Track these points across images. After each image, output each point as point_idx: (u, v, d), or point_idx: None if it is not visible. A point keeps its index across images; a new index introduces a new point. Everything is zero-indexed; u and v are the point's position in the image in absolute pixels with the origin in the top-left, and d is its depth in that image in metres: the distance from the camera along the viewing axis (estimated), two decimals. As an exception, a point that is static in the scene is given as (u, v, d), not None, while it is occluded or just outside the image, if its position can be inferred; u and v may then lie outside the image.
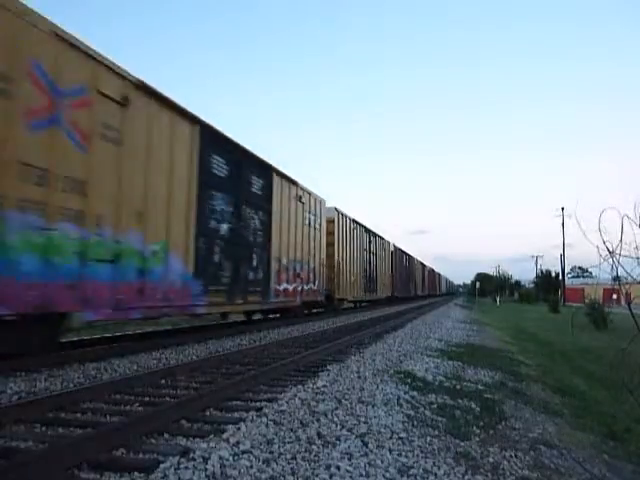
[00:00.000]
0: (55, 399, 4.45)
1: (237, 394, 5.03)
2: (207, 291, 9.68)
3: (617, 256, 3.92)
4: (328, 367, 6.57)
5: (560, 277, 58.35)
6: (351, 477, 2.99)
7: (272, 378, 5.86)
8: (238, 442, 3.39)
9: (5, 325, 5.93)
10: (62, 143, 6.36)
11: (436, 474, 3.15)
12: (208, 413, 4.40)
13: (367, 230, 23.97)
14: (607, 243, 3.92)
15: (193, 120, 9.28)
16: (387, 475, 3.06)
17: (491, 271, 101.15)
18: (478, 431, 4.27)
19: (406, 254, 38.43)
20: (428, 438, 3.86)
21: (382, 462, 3.25)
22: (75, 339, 8.65)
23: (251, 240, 11.67)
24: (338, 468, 3.09)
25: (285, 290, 13.71)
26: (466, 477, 3.19)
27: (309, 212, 15.49)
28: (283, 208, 13.42)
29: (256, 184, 11.96)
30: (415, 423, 4.23)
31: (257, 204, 11.96)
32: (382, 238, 28.09)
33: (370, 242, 24.86)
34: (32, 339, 6.33)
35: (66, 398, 4.54)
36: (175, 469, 2.90)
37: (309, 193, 15.46)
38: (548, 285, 63.25)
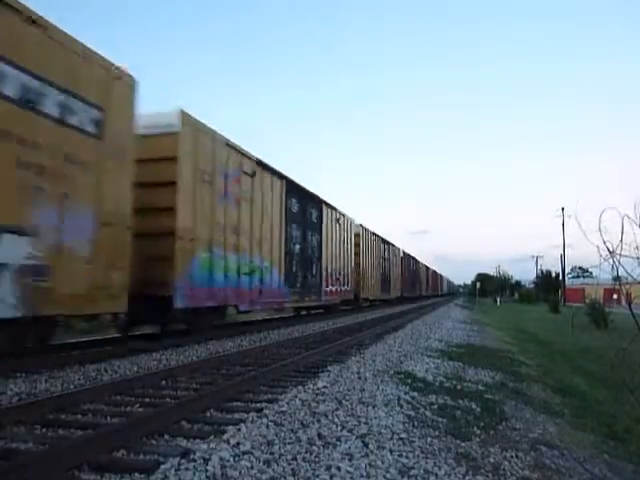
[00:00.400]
0: (55, 400, 4.45)
1: (237, 395, 5.03)
2: (290, 292, 14.36)
3: (617, 256, 3.92)
4: (328, 368, 6.57)
5: (560, 277, 58.33)
6: (352, 478, 2.99)
7: (272, 379, 5.86)
8: (239, 443, 3.39)
9: (198, 311, 9.70)
10: (229, 207, 10.81)
11: (437, 475, 3.15)
12: (208, 414, 4.39)
13: (383, 240, 28.88)
14: (607, 243, 3.91)
15: (281, 177, 13.84)
16: (388, 476, 3.05)
17: (491, 271, 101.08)
18: (479, 431, 4.27)
19: (413, 258, 42.97)
20: (429, 439, 3.86)
21: (383, 463, 3.24)
22: (73, 341, 8.65)
23: (311, 255, 16.26)
24: (339, 469, 3.09)
25: (330, 291, 18.39)
26: (467, 477, 3.19)
27: (344, 230, 20.24)
28: (328, 230, 18.09)
29: (313, 214, 16.58)
30: (416, 424, 4.23)
31: (314, 229, 16.62)
32: (394, 245, 32.77)
33: (385, 250, 29.38)
34: (213, 321, 10.70)
35: (66, 399, 4.54)
36: (176, 470, 2.90)
37: (343, 215, 20.15)
38: (548, 285, 63.21)
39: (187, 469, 2.91)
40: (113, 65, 7.42)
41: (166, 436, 3.72)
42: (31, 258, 5.96)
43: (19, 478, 2.67)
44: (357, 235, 22.57)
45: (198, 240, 9.49)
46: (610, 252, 3.79)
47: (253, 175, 11.88)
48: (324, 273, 17.43)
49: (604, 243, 3.95)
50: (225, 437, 3.53)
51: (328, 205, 17.97)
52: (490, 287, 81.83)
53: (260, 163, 12.30)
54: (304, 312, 17.84)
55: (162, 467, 2.94)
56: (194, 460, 3.05)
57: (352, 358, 7.56)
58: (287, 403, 4.56)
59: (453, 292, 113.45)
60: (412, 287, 41.07)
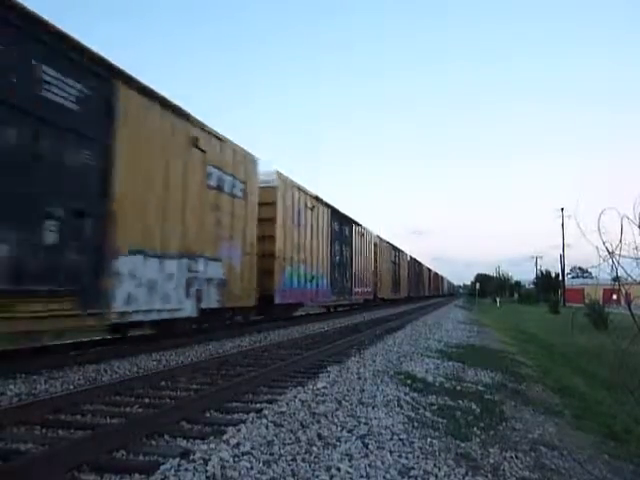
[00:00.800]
0: (55, 401, 4.45)
1: (237, 395, 5.03)
2: (333, 294, 18.95)
3: (616, 257, 3.93)
4: (328, 368, 6.56)
5: (560, 278, 58.31)
6: (351, 478, 2.99)
7: (272, 379, 5.86)
8: (238, 443, 3.39)
9: (286, 306, 14.49)
10: (300, 233, 15.08)
11: (437, 475, 3.15)
12: (208, 414, 4.39)
13: (394, 247, 33.12)
14: (607, 244, 3.92)
15: (328, 206, 18.35)
16: (387, 476, 3.05)
17: (491, 272, 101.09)
18: (478, 432, 4.27)
19: (418, 262, 47.85)
20: (428, 439, 3.86)
21: (382, 463, 3.24)
22: (71, 341, 8.64)
23: (345, 264, 20.65)
24: (338, 469, 3.09)
25: (357, 292, 22.69)
26: (466, 478, 3.19)
27: (366, 241, 24.53)
28: (356, 242, 22.42)
29: (346, 231, 20.95)
30: (415, 424, 4.23)
31: (347, 243, 21.02)
32: (403, 251, 37.06)
33: (395, 256, 33.47)
34: (292, 312, 15.79)
35: (66, 400, 4.53)
36: (175, 471, 2.90)
37: (365, 229, 24.38)
38: (548, 286, 63.19)
39: (187, 470, 2.91)
40: (248, 153, 11.71)
41: (166, 436, 3.72)
42: (222, 275, 10.32)
43: (19, 478, 2.67)
44: (375, 245, 26.96)
45: (286, 258, 14.11)
46: (609, 252, 3.80)
47: (312, 208, 16.45)
48: (353, 278, 21.88)
49: (603, 244, 3.95)
50: (225, 438, 3.52)
51: (356, 223, 22.70)
52: (490, 288, 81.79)
53: (317, 198, 17.12)
54: (340, 309, 22.64)
55: (162, 468, 2.94)
56: (194, 461, 3.04)
57: (352, 358, 7.56)
58: (287, 404, 4.55)
59: (453, 293, 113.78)
60: (417, 288, 45.95)
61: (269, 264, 13.03)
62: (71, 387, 5.38)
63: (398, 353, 8.51)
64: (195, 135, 9.20)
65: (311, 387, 5.31)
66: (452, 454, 3.60)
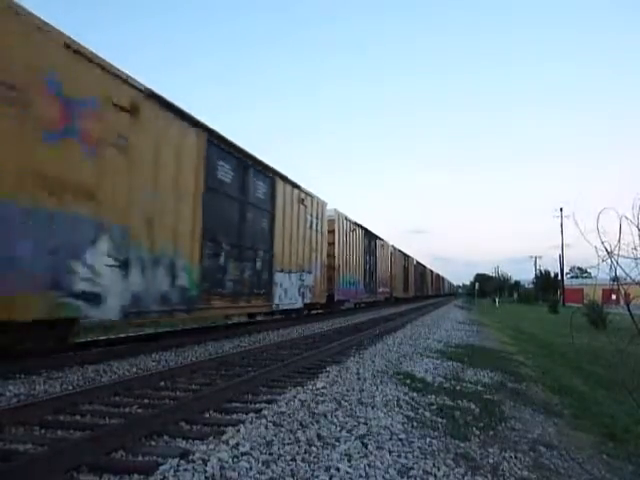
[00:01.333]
0: (54, 401, 4.45)
1: (236, 396, 5.03)
2: (366, 292, 24.34)
3: (615, 257, 3.93)
4: (327, 368, 6.56)
5: (559, 277, 58.35)
6: (351, 478, 2.99)
7: (271, 379, 5.86)
8: (237, 444, 3.39)
9: (342, 302, 20.86)
10: (347, 250, 21.09)
11: (436, 475, 3.15)
12: (207, 415, 4.39)
13: (404, 255, 38.98)
14: (605, 244, 3.92)
15: (362, 227, 23.42)
16: (387, 476, 3.06)
17: (490, 272, 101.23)
18: (478, 432, 4.27)
19: (422, 265, 54.86)
20: (428, 439, 3.86)
21: (382, 463, 3.25)
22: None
23: (373, 270, 26.18)
24: (338, 469, 3.09)
25: (379, 292, 28.11)
26: (466, 478, 3.19)
27: (385, 250, 30.11)
28: (378, 252, 27.69)
29: (372, 245, 26.32)
30: (415, 424, 4.23)
31: (373, 254, 26.37)
32: (410, 257, 42.90)
33: (405, 261, 39.44)
34: (342, 305, 21.77)
35: (65, 400, 4.53)
36: (175, 471, 2.90)
37: (384, 241, 29.72)
38: (547, 286, 63.24)
39: (186, 470, 2.91)
40: (321, 199, 16.79)
41: (165, 437, 3.72)
42: (312, 282, 15.82)
43: (18, 479, 2.66)
44: (391, 253, 32.37)
45: (341, 269, 19.74)
46: (608, 253, 3.80)
47: (353, 231, 21.65)
48: (377, 281, 27.33)
49: (602, 244, 3.95)
50: (224, 438, 3.53)
51: (379, 238, 28.04)
52: (489, 288, 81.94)
53: (356, 223, 22.22)
54: (366, 305, 27.22)
55: (161, 468, 2.94)
56: (193, 461, 3.05)
57: (351, 358, 7.56)
58: (286, 404, 4.55)
59: (453, 293, 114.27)
60: (422, 288, 52.64)
61: (331, 273, 18.68)
62: (70, 387, 5.38)
63: (398, 353, 8.51)
64: (302, 197, 14.97)
65: (310, 387, 5.31)
66: (451, 454, 3.61)
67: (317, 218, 16.29)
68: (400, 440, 3.75)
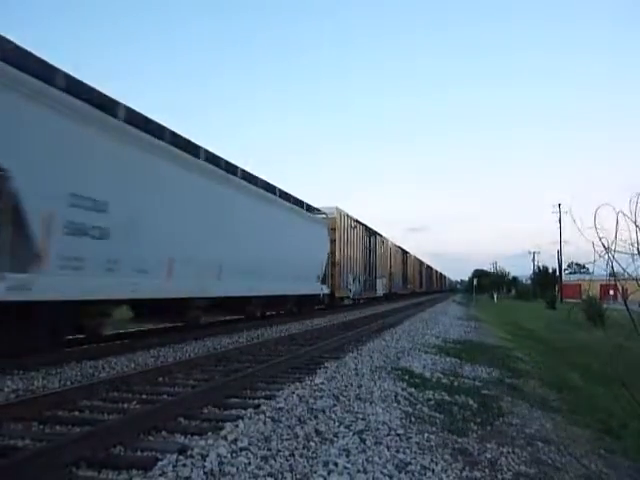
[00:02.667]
0: (53, 397, 4.45)
1: (235, 391, 5.03)
2: (365, 290, 25.62)
3: (612, 252, 3.93)
4: (326, 364, 6.57)
5: (557, 273, 58.43)
6: (349, 473, 3.00)
7: (270, 375, 5.87)
8: (236, 439, 3.39)
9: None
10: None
11: (434, 470, 3.16)
12: (206, 410, 4.40)
13: (404, 251, 42.07)
14: (603, 239, 3.92)
15: (362, 224, 24.94)
16: (385, 471, 3.06)
17: (488, 268, 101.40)
18: (475, 427, 4.29)
19: (429, 266, 66.67)
20: (426, 434, 3.87)
21: (380, 458, 3.26)
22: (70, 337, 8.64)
23: (371, 267, 27.28)
24: (336, 465, 3.10)
25: (378, 288, 29.43)
26: (464, 473, 3.20)
27: (385, 247, 32.27)
28: (378, 250, 29.23)
29: (372, 241, 27.61)
30: (413, 419, 4.24)
31: (373, 251, 27.70)
32: (410, 253, 46.49)
33: (404, 257, 42.20)
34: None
35: (64, 396, 4.53)
36: (173, 466, 2.90)
37: (384, 238, 32.05)
38: (545, 281, 63.26)
39: (185, 465, 2.91)
40: (385, 237, 31.36)
41: (164, 432, 3.72)
42: (385, 282, 31.42)
43: (17, 474, 2.67)
44: (390, 250, 35.14)
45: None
46: (605, 248, 3.80)
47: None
48: (376, 277, 29.24)
49: (599, 240, 3.96)
50: (223, 433, 3.53)
51: (379, 234, 30.18)
52: (487, 283, 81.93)
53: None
54: (365, 301, 28.80)
55: (160, 463, 2.94)
56: (192, 456, 3.05)
57: (349, 354, 7.57)
58: (284, 399, 4.56)
59: (451, 289, 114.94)
60: (420, 284, 58.50)
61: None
62: (69, 383, 5.38)
63: (396, 349, 8.53)
64: (381, 239, 28.00)
65: (309, 383, 5.32)
66: (449, 449, 3.62)
67: (380, 247, 29.09)
68: (398, 435, 3.76)
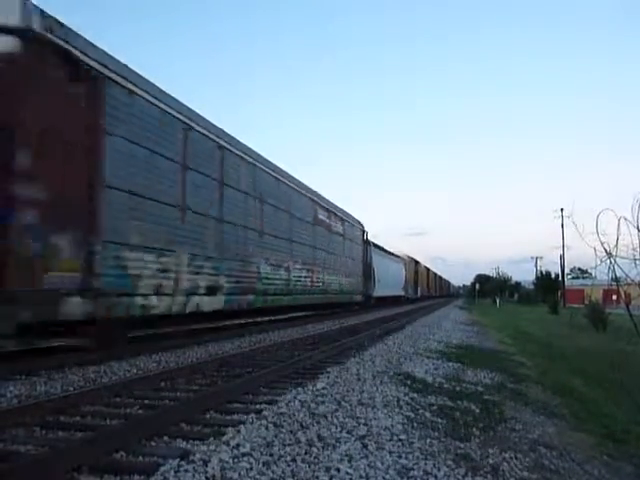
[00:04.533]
0: (55, 402, 4.45)
1: (237, 396, 5.03)
2: (413, 292, 45.84)
3: (614, 257, 3.93)
4: (328, 369, 6.57)
5: (560, 278, 58.27)
6: (351, 479, 2.99)
7: (271, 380, 5.86)
8: (238, 445, 3.39)
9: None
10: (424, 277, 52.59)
11: (436, 476, 3.16)
12: (208, 416, 4.39)
13: (416, 262, 49.50)
14: (605, 245, 3.92)
15: (416, 261, 49.08)
16: (387, 477, 3.06)
17: (491, 273, 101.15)
18: (478, 432, 4.27)
19: (435, 273, 74.27)
20: (428, 440, 3.86)
21: (382, 464, 3.25)
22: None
23: (417, 280, 47.75)
24: (338, 470, 3.09)
25: (423, 293, 51.63)
26: (466, 479, 3.19)
27: (417, 266, 46.52)
28: (411, 268, 43.30)
29: (412, 266, 44.81)
30: (415, 425, 4.23)
31: (414, 270, 45.86)
32: (420, 263, 53.69)
33: (416, 267, 49.41)
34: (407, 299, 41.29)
35: (66, 401, 4.54)
36: (175, 472, 2.90)
37: (400, 254, 39.66)
38: (548, 286, 63.07)
39: (186, 471, 2.92)
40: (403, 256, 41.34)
41: (165, 438, 3.72)
42: (402, 282, 39.71)
43: (19, 480, 2.67)
44: (405, 262, 41.49)
45: (410, 281, 40.89)
46: (607, 253, 3.80)
47: (417, 262, 41.90)
48: (421, 286, 43.30)
49: (601, 245, 3.96)
50: (225, 439, 3.53)
51: (391, 253, 36.09)
52: (489, 288, 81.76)
53: (411, 258, 42.89)
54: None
55: (161, 469, 2.95)
56: (193, 462, 3.05)
57: (351, 359, 7.56)
58: (286, 404, 4.56)
59: (454, 294, 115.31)
60: (435, 290, 69.03)
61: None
62: (71, 388, 5.38)
63: (398, 354, 8.52)
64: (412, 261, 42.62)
65: (311, 388, 5.32)
66: (451, 454, 3.61)
67: (420, 270, 45.95)
68: (400, 441, 3.75)
